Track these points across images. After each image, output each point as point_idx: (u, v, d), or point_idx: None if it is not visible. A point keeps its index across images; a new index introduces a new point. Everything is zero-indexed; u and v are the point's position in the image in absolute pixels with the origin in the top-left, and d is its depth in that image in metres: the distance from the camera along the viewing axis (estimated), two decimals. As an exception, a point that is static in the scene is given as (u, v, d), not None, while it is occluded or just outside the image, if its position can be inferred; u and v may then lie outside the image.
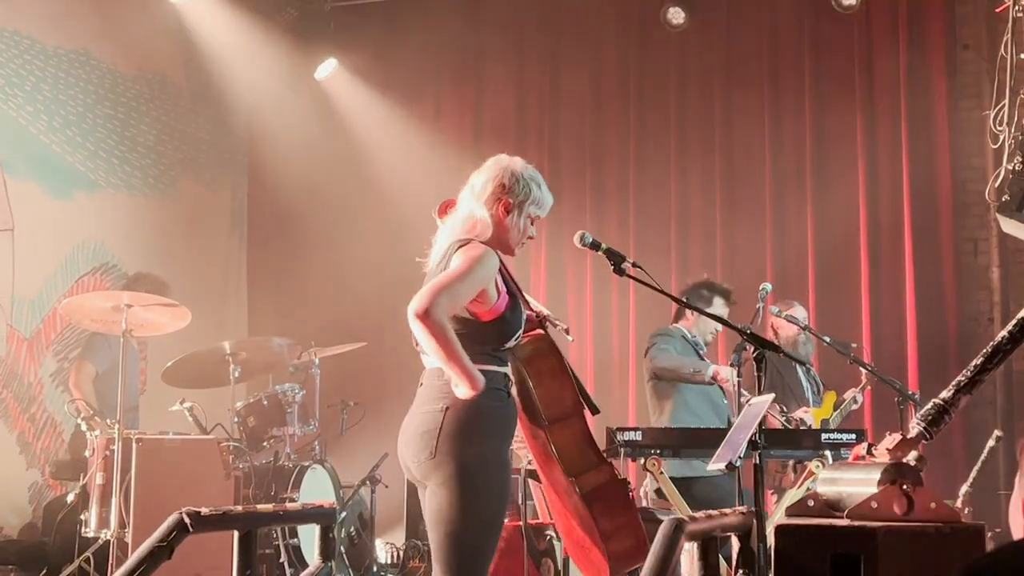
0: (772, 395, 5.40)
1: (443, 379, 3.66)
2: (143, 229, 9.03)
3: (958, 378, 2.78)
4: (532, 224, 3.91)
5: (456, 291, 3.56)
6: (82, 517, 6.34)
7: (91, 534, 6.27)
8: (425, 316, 3.44)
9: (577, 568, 4.15)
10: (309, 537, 6.59)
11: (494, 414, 3.67)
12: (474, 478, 3.58)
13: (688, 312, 6.47)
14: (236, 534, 3.64)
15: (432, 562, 3.65)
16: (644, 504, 5.86)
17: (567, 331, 4.15)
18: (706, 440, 5.45)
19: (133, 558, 3.33)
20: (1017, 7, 6.59)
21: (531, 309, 3.95)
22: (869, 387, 7.17)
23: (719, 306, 6.48)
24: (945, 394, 2.78)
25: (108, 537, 6.06)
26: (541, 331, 3.97)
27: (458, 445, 3.59)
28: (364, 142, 9.81)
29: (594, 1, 9.45)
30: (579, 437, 3.96)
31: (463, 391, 3.51)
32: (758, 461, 4.27)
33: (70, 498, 6.78)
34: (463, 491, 3.57)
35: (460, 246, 3.71)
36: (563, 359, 3.96)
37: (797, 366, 6.94)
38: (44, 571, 6.76)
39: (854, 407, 7.02)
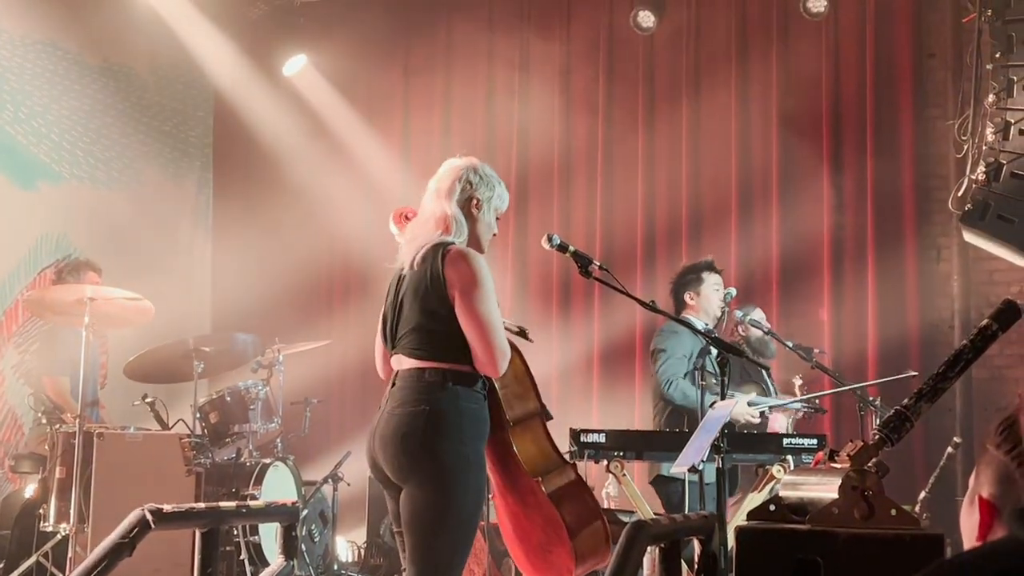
0: (736, 399, 5.44)
1: (422, 380, 3.66)
2: (107, 222, 8.97)
3: (920, 386, 2.80)
4: (496, 221, 3.95)
5: (494, 317, 3.68)
6: (41, 511, 6.29)
7: (50, 528, 6.23)
8: (504, 362, 3.68)
9: (530, 574, 4.11)
10: (270, 535, 6.57)
11: (472, 415, 3.69)
12: (454, 479, 3.59)
13: (687, 298, 6.40)
14: (198, 531, 3.62)
15: (407, 563, 3.64)
16: (605, 506, 5.88)
17: (524, 334, 4.17)
18: (670, 442, 5.46)
19: (94, 554, 3.31)
20: (983, 18, 6.65)
21: None
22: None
23: (712, 280, 6.40)
24: (907, 402, 2.81)
25: (67, 532, 6.02)
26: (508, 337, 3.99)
27: (439, 447, 3.60)
28: (332, 138, 9.78)
29: (564, 3, 9.47)
30: (542, 438, 3.99)
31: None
32: (721, 465, 4.31)
33: (29, 492, 6.73)
34: (443, 492, 3.58)
35: (444, 253, 3.71)
36: (525, 362, 3.98)
37: (762, 369, 6.95)
38: (2, 565, 6.70)
39: (816, 403, 6.90)
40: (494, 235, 3.97)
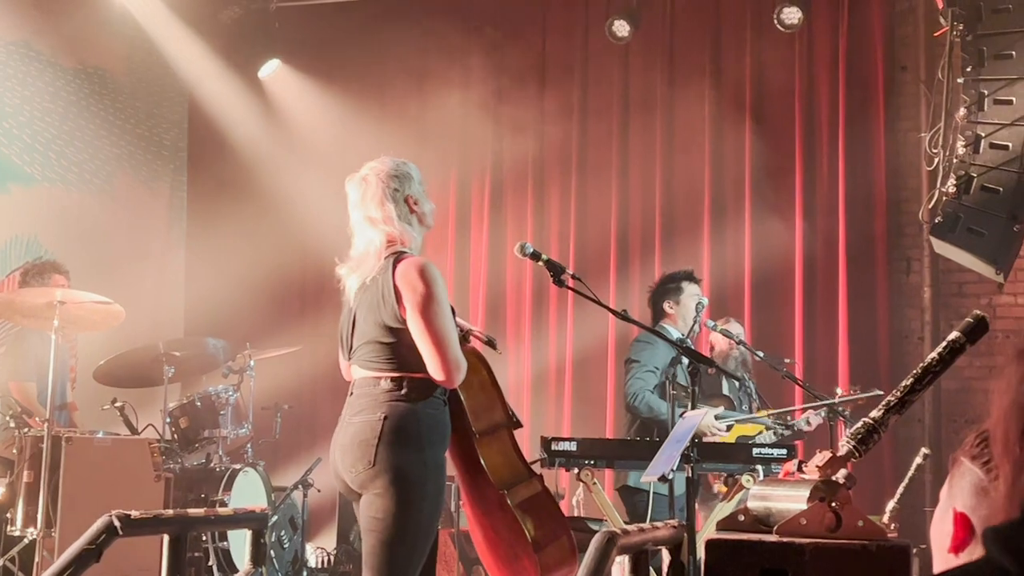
0: (705, 411, 5.45)
1: (379, 387, 3.66)
2: (79, 224, 8.92)
3: (888, 398, 2.82)
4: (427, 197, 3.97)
5: (447, 329, 3.63)
6: (8, 515, 6.25)
7: (17, 532, 6.18)
8: (459, 374, 3.66)
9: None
10: (239, 541, 6.55)
11: (431, 421, 3.68)
12: (413, 486, 3.59)
13: (666, 307, 6.43)
14: (166, 538, 3.60)
15: (364, 567, 3.64)
16: (576, 514, 5.88)
17: (493, 344, 4.16)
18: (640, 451, 5.48)
19: (61, 560, 3.29)
20: (954, 32, 6.70)
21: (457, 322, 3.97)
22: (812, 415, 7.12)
23: (692, 291, 6.43)
24: (875, 413, 2.82)
25: (34, 536, 5.98)
26: (470, 345, 3.99)
27: (397, 453, 3.59)
28: (306, 144, 9.76)
29: (540, 12, 9.49)
30: (509, 450, 3.99)
31: None
32: (691, 474, 4.32)
33: (-4, 496, 6.68)
34: (402, 499, 3.58)
35: (395, 261, 3.71)
36: (492, 373, 3.98)
37: (734, 380, 6.97)
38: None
39: (806, 427, 6.91)
40: (434, 208, 4.00)
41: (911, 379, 2.82)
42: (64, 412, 7.10)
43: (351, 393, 3.79)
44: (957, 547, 1.69)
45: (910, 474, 7.16)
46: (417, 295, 3.64)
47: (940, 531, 1.73)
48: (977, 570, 0.80)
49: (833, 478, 2.72)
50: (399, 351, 3.66)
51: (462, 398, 3.81)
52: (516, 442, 4.02)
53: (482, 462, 3.84)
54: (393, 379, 3.67)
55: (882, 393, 6.44)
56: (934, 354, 2.83)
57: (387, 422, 3.61)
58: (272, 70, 9.68)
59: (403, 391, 3.65)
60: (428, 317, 3.62)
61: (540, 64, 9.44)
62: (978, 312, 2.72)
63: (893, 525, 6.95)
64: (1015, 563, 0.76)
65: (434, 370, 3.60)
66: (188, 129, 10.15)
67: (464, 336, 4.01)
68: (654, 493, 5.61)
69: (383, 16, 9.73)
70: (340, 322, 3.91)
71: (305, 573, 7.67)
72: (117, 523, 3.25)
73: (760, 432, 6.66)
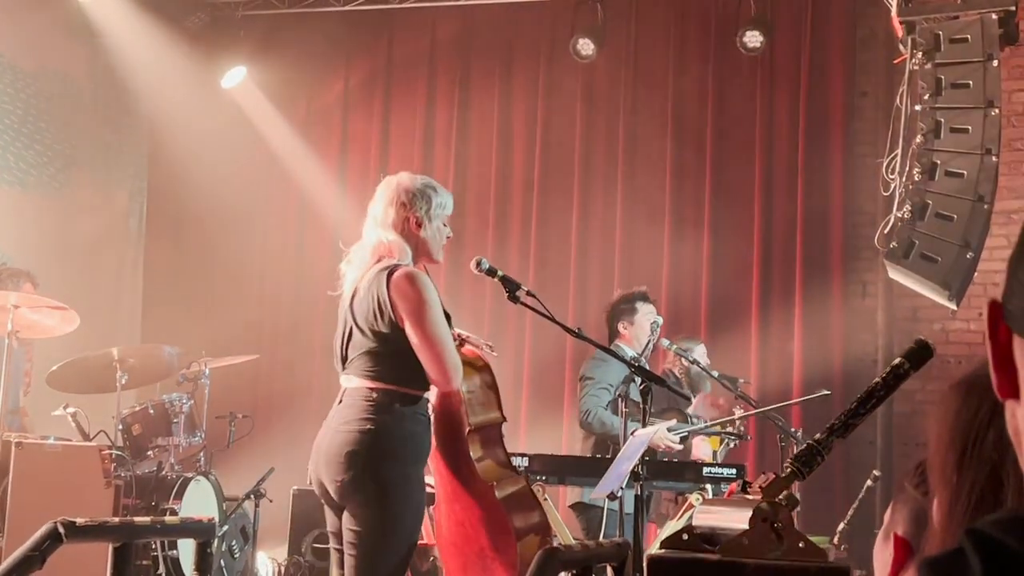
0: (658, 426, 5.48)
1: (371, 399, 3.69)
2: (36, 228, 8.85)
3: (832, 421, 2.85)
4: (446, 225, 3.99)
5: (444, 334, 3.69)
6: (-44, 520, 6.19)
7: (-36, 537, 6.12)
8: (458, 377, 3.74)
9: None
10: (189, 549, 6.50)
11: (416, 438, 3.75)
12: (396, 499, 3.63)
13: (620, 327, 6.48)
14: (111, 546, 3.58)
15: None
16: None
17: (490, 347, 4.28)
18: (592, 468, 5.50)
19: (3, 566, 3.27)
20: (914, 60, 6.78)
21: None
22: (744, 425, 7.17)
23: (646, 310, 6.48)
24: (819, 436, 2.85)
25: (-19, 541, 5.93)
26: (472, 349, 4.14)
27: (382, 467, 3.64)
28: (270, 153, 9.74)
29: (505, 28, 9.51)
30: (499, 448, 4.16)
31: None
32: (640, 492, 4.34)
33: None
34: (385, 512, 3.62)
35: (389, 274, 3.75)
36: (494, 377, 4.14)
37: (692, 395, 7.01)
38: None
39: (743, 428, 6.96)
40: (449, 238, 4.02)
41: (855, 403, 2.85)
42: (16, 417, 7.03)
43: (340, 401, 3.82)
44: (896, 572, 1.72)
45: (861, 496, 7.24)
46: (411, 303, 3.70)
47: (882, 558, 1.75)
48: None
49: (776, 499, 2.75)
50: (392, 364, 3.72)
51: (464, 391, 3.92)
52: (505, 445, 4.12)
53: (472, 455, 3.93)
54: (386, 392, 3.72)
55: (829, 392, 6.56)
56: (878, 379, 2.86)
57: (375, 435, 3.66)
58: (237, 78, 9.64)
59: (393, 405, 3.70)
60: (424, 324, 3.70)
61: (505, 80, 9.46)
62: (921, 338, 2.75)
63: (843, 546, 7.02)
64: None
65: (433, 373, 3.69)
66: (149, 134, 10.10)
67: (461, 342, 4.11)
68: (607, 509, 5.64)
69: (349, 27, 9.72)
70: (336, 334, 3.95)
71: (255, 583, 7.63)
72: (62, 530, 3.23)
73: (723, 443, 6.74)
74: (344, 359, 3.86)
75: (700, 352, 7.00)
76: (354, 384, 3.79)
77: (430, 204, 3.93)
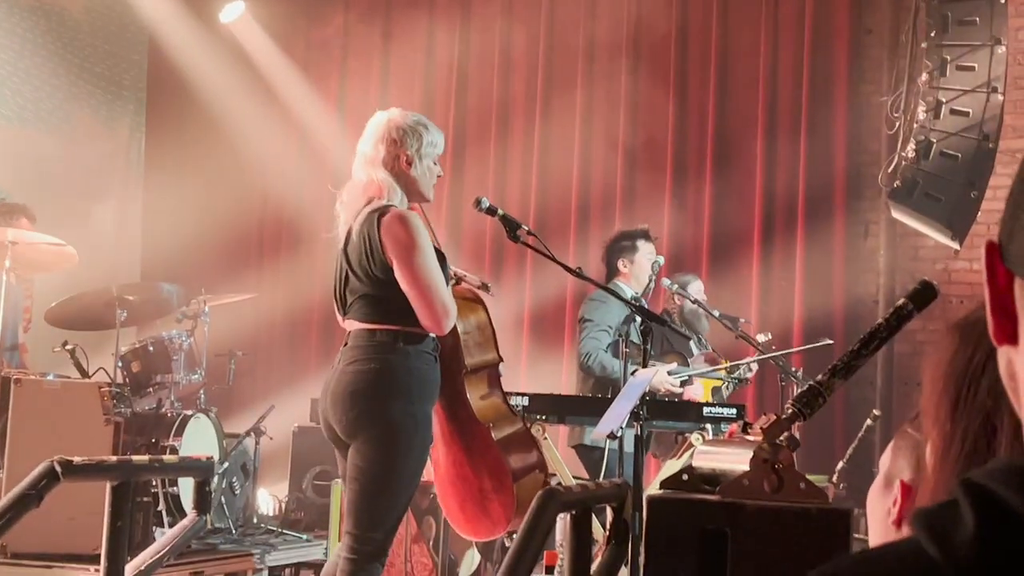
0: (657, 368, 5.47)
1: (374, 340, 3.70)
2: (35, 163, 8.80)
3: (834, 362, 2.83)
4: (436, 164, 3.96)
5: (434, 277, 3.67)
6: (-45, 456, 6.20)
7: (-36, 474, 6.13)
8: (448, 320, 3.72)
9: (461, 526, 4.19)
10: (189, 486, 6.52)
11: (422, 376, 3.75)
12: (400, 437, 3.64)
13: (620, 265, 6.43)
14: (109, 484, 3.58)
15: (347, 514, 3.69)
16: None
17: (486, 287, 4.26)
18: (592, 407, 5.49)
19: (1, 504, 3.26)
20: (920, -5, 6.70)
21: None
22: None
23: (647, 249, 6.42)
24: (821, 377, 2.83)
25: (-19, 478, 5.94)
26: (467, 287, 4.11)
27: (387, 405, 3.65)
28: (268, 89, 9.65)
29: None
30: (496, 389, 4.15)
31: None
32: (640, 432, 4.34)
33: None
34: (389, 449, 3.63)
35: (379, 216, 3.72)
36: (490, 316, 4.13)
37: (692, 335, 6.98)
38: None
39: (748, 375, 6.95)
40: (439, 177, 4.00)
41: (858, 344, 2.83)
42: (15, 354, 7.02)
43: (345, 343, 3.83)
44: (902, 519, 1.70)
45: (860, 435, 7.25)
46: (400, 245, 3.68)
47: (881, 505, 1.73)
48: (907, 551, 0.79)
49: (776, 440, 2.74)
50: (392, 304, 3.71)
51: (459, 331, 3.92)
52: (502, 385, 4.11)
53: (468, 396, 3.92)
54: (388, 332, 3.72)
55: (832, 343, 6.52)
56: (881, 320, 2.83)
57: (379, 373, 3.67)
58: (235, 13, 9.54)
59: (397, 344, 3.69)
60: (413, 266, 3.67)
61: (507, 17, 9.35)
62: (926, 279, 2.72)
63: (842, 484, 7.03)
64: (939, 550, 0.75)
65: (423, 316, 3.67)
66: (148, 70, 10.01)
67: (456, 280, 4.09)
68: (609, 449, 5.64)
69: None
70: (333, 278, 3.94)
71: (255, 519, 7.66)
72: (59, 468, 3.22)
73: (723, 384, 6.72)
74: (343, 303, 3.84)
75: (696, 288, 6.94)
76: (357, 327, 3.79)
77: (421, 142, 3.88)
